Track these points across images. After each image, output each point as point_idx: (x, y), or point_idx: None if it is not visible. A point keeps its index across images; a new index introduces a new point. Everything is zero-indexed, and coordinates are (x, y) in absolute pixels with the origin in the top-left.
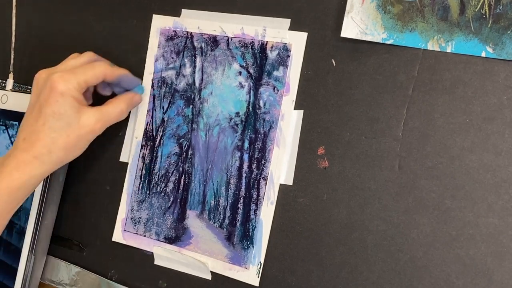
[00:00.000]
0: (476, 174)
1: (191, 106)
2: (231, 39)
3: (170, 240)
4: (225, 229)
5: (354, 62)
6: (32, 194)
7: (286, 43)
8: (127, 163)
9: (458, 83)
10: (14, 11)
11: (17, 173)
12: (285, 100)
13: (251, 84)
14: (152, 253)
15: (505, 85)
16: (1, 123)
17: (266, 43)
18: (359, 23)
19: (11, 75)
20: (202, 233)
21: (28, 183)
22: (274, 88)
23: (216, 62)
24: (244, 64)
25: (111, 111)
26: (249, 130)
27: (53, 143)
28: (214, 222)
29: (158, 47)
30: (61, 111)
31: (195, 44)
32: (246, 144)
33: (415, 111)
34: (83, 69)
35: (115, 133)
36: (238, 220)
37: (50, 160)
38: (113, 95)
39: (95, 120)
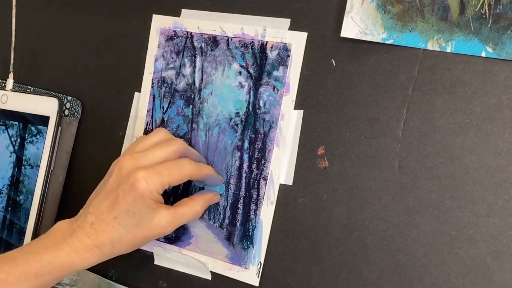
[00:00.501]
0: (476, 174)
1: (191, 106)
2: (231, 39)
3: (170, 240)
4: (225, 229)
5: (354, 62)
6: (32, 194)
7: (286, 43)
8: None
9: (458, 83)
10: (14, 11)
11: (75, 256)
12: (285, 100)
13: (251, 84)
14: (152, 253)
15: (505, 85)
16: (1, 123)
17: (266, 43)
18: (359, 23)
19: (11, 75)
20: (202, 233)
21: (81, 268)
22: (274, 88)
23: (216, 62)
24: (244, 64)
25: (186, 213)
26: (249, 130)
27: (119, 239)
28: (214, 222)
29: (158, 47)
30: (135, 211)
31: (195, 44)
32: (246, 144)
33: (415, 111)
34: (169, 170)
35: (115, 133)
36: (238, 220)
37: (111, 252)
38: None
39: (166, 223)
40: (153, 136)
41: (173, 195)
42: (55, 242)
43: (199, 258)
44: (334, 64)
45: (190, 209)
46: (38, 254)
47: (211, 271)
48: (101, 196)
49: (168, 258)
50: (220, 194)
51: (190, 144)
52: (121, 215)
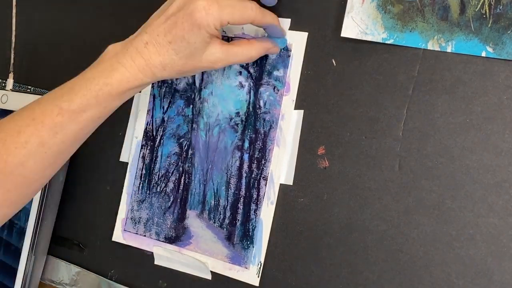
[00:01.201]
0: (476, 174)
1: (191, 106)
2: (232, 39)
3: (170, 240)
4: (225, 229)
5: (354, 62)
6: None
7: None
8: (127, 163)
9: (458, 83)
10: (14, 11)
11: (130, 76)
12: (285, 100)
13: (251, 84)
14: (152, 253)
15: (505, 85)
16: None
17: None
18: (359, 23)
19: (11, 75)
20: (202, 233)
21: (136, 88)
22: (274, 88)
23: None
24: (244, 64)
25: (240, 54)
26: (249, 130)
27: (170, 63)
28: (214, 222)
29: None
30: (190, 40)
31: None
32: (246, 144)
33: (415, 111)
34: (232, 7)
35: (115, 133)
36: (238, 220)
37: (161, 75)
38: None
39: (217, 59)
40: None
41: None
42: (110, 63)
43: (199, 258)
44: (334, 64)
45: (244, 50)
46: (95, 78)
47: (211, 271)
48: (160, 18)
49: (168, 258)
50: (281, 49)
51: (190, 144)
52: (176, 41)
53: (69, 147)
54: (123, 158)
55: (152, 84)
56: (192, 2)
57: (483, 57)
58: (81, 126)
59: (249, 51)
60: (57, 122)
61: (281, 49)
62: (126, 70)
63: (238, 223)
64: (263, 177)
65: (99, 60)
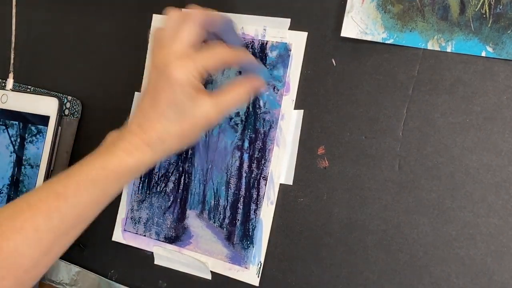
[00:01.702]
0: (476, 174)
1: None
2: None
3: (170, 240)
4: (225, 229)
5: (354, 62)
6: None
7: (286, 43)
8: None
9: (458, 82)
10: (14, 11)
11: (127, 157)
12: (285, 100)
13: None
14: (152, 253)
15: (505, 85)
16: (1, 123)
17: (266, 43)
18: (359, 22)
19: (11, 75)
20: (202, 233)
21: (136, 169)
22: (274, 88)
23: None
24: None
25: (230, 99)
26: (249, 130)
27: (167, 132)
28: (214, 222)
29: None
30: (177, 100)
31: None
32: (246, 144)
33: (415, 111)
34: (202, 55)
35: None
36: (238, 220)
37: (162, 148)
38: None
39: (211, 110)
40: (169, 21)
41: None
42: (106, 149)
43: (199, 258)
44: (334, 64)
45: (234, 93)
46: (91, 163)
47: (211, 271)
48: (144, 97)
49: (168, 258)
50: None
51: None
52: (164, 109)
53: (66, 234)
54: None
55: None
56: (167, 67)
57: (483, 57)
58: (78, 211)
59: (239, 92)
60: (52, 207)
61: (281, 49)
62: (122, 152)
63: (238, 223)
64: (263, 177)
65: (99, 146)
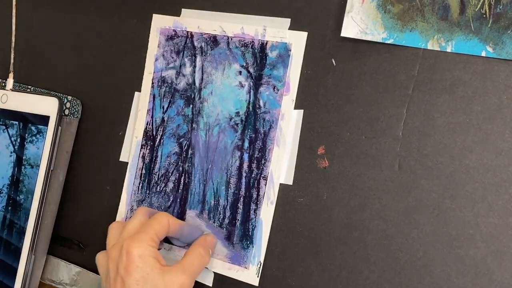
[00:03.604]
0: (476, 174)
1: (191, 106)
2: (231, 39)
3: (170, 240)
4: (224, 229)
5: (354, 61)
6: (32, 194)
7: (286, 43)
8: (127, 163)
9: (458, 82)
10: (14, 11)
11: None
12: (285, 100)
13: (251, 84)
14: None
15: (505, 85)
16: (1, 123)
17: (266, 43)
18: (359, 22)
19: (11, 75)
20: (202, 233)
21: None
22: (274, 88)
23: (216, 62)
24: (244, 64)
25: (193, 260)
26: (249, 130)
27: None
28: (214, 222)
29: (158, 47)
30: (144, 275)
31: (195, 43)
32: (246, 144)
33: (415, 110)
34: (149, 224)
35: (115, 133)
36: (238, 219)
37: None
38: None
39: (180, 275)
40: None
41: None
42: None
43: None
44: (334, 64)
45: (193, 254)
46: None
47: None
48: (109, 280)
49: (170, 260)
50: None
51: (190, 143)
52: None
53: None
54: (123, 158)
55: (152, 83)
56: (122, 249)
57: (483, 57)
58: None
59: (197, 251)
60: None
61: (281, 49)
62: None
63: (238, 223)
64: (263, 177)
65: None
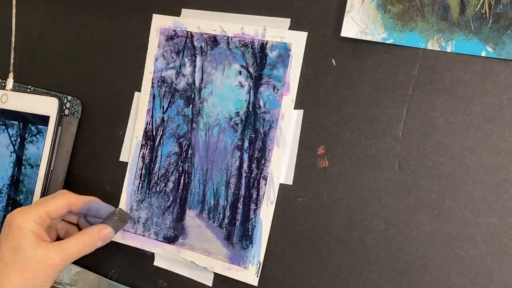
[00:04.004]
0: (476, 174)
1: (191, 106)
2: (231, 39)
3: (169, 240)
4: (224, 229)
5: (354, 61)
6: (32, 194)
7: (286, 43)
8: (127, 163)
9: (458, 82)
10: (14, 11)
11: None
12: (285, 100)
13: (251, 84)
14: (152, 253)
15: (505, 85)
16: (1, 123)
17: (266, 43)
18: (359, 22)
19: (11, 75)
20: (201, 233)
21: None
22: (274, 88)
23: (216, 62)
24: (244, 64)
25: (72, 245)
26: (249, 130)
27: (6, 279)
28: (214, 222)
29: (158, 47)
30: (16, 245)
31: (195, 43)
32: (246, 144)
33: (415, 110)
34: (45, 200)
35: (115, 133)
36: (238, 219)
37: None
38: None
39: (53, 255)
40: None
41: None
42: None
43: (198, 257)
44: (334, 64)
45: (76, 240)
46: None
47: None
48: None
49: (170, 260)
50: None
51: (190, 143)
52: (5, 256)
53: None
54: (123, 158)
55: (152, 83)
56: (9, 217)
57: (483, 57)
58: None
59: (82, 239)
60: None
61: (281, 49)
62: None
63: (238, 223)
64: (262, 177)
65: None
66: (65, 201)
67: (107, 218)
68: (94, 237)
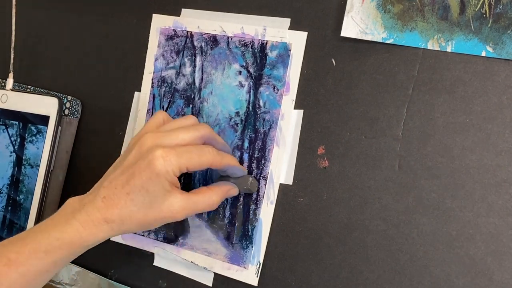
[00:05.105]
0: (476, 174)
1: (191, 106)
2: (231, 39)
3: (169, 240)
4: (224, 229)
5: (354, 61)
6: (32, 194)
7: (286, 43)
8: None
9: (458, 82)
10: (14, 11)
11: (84, 231)
12: (285, 100)
13: (251, 84)
14: (152, 253)
15: (505, 85)
16: (1, 123)
17: (266, 43)
18: (359, 22)
19: (11, 75)
20: (201, 233)
21: (90, 244)
22: (274, 88)
23: (216, 62)
24: (244, 64)
25: (201, 201)
26: (249, 130)
27: (129, 216)
28: (214, 222)
29: (158, 47)
30: (149, 189)
31: (195, 43)
32: (246, 144)
33: (415, 110)
34: (190, 152)
35: (115, 132)
36: (238, 219)
37: (120, 229)
38: None
39: (179, 208)
40: (182, 120)
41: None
42: (65, 218)
43: (198, 257)
44: (334, 64)
45: (205, 198)
46: (47, 232)
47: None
48: (117, 171)
49: (170, 260)
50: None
51: None
52: (134, 191)
53: None
54: None
55: (152, 83)
56: (150, 152)
57: (483, 56)
58: (26, 279)
59: (211, 197)
60: (2, 272)
61: (281, 49)
62: (80, 225)
63: (238, 223)
64: (262, 177)
65: (56, 213)
66: (209, 161)
67: (237, 180)
68: (222, 196)
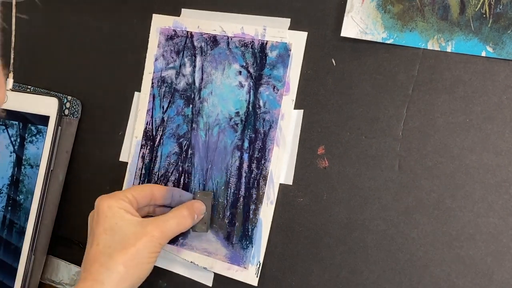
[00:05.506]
0: (476, 174)
1: (191, 106)
2: (231, 39)
3: (169, 240)
4: (224, 229)
5: (354, 61)
6: (32, 194)
7: (286, 43)
8: (127, 163)
9: (458, 82)
10: (14, 11)
11: None
12: (285, 100)
13: (251, 84)
14: None
15: (505, 85)
16: (1, 123)
17: (266, 43)
18: (359, 22)
19: (11, 75)
20: (201, 233)
21: None
22: (274, 88)
23: (216, 62)
24: (244, 64)
25: (170, 218)
26: (249, 130)
27: (110, 259)
28: (214, 222)
29: (158, 47)
30: (112, 225)
31: (195, 43)
32: (246, 144)
33: (415, 110)
34: (132, 188)
35: (114, 132)
36: (238, 219)
37: (110, 278)
38: None
39: (151, 228)
40: None
41: None
42: None
43: (198, 257)
44: (334, 64)
45: (173, 214)
46: None
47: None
48: (87, 243)
49: (170, 261)
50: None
51: (189, 143)
52: (102, 238)
53: None
54: (122, 157)
55: (152, 83)
56: (96, 204)
57: (483, 56)
58: None
59: (180, 212)
60: None
61: (281, 49)
62: None
63: (238, 223)
64: (262, 177)
65: None
66: (149, 188)
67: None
68: (192, 210)
